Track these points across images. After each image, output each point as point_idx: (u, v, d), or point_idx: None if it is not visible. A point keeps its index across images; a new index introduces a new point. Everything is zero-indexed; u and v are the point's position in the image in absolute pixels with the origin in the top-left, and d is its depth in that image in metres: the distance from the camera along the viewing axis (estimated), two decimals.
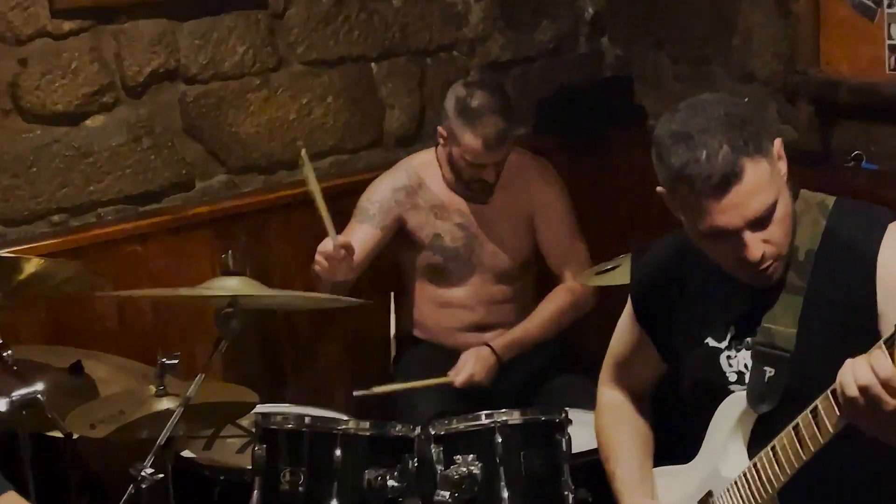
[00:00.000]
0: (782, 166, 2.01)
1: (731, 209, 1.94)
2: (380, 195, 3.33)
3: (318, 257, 3.06)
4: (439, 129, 3.29)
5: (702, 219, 1.97)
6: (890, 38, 3.22)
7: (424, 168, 3.41)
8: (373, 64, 3.76)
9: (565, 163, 3.71)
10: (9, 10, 3.13)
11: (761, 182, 1.95)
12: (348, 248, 3.02)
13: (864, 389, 1.70)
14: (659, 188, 2.07)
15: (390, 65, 3.78)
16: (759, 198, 1.95)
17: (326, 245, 3.01)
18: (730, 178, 1.91)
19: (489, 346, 3.33)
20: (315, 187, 3.01)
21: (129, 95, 3.35)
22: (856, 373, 1.72)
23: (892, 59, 3.21)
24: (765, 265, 2.00)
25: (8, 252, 2.94)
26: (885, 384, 1.68)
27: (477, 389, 3.32)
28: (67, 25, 3.21)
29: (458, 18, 3.86)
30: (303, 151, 3.11)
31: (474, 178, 3.29)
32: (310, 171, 3.04)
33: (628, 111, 4.05)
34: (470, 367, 3.26)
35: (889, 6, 3.19)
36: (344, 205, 3.36)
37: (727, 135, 1.94)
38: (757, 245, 1.97)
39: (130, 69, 3.33)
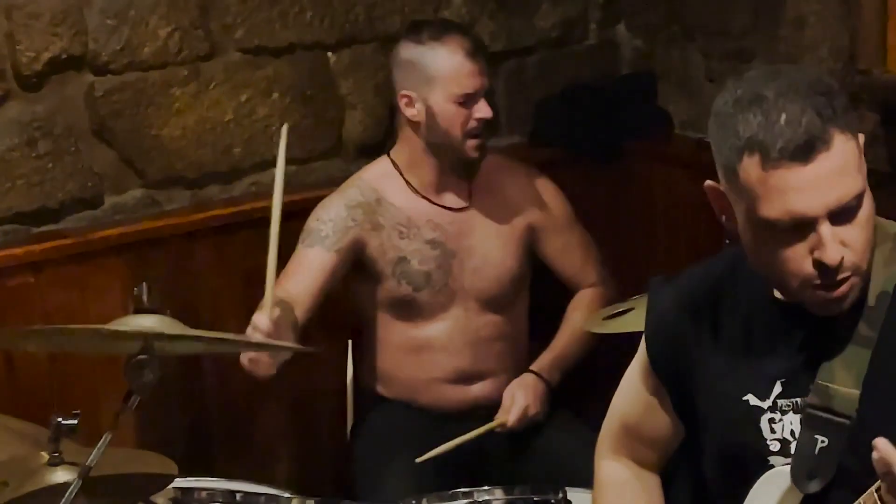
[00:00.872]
0: (864, 167, 2.00)
1: (812, 188, 1.92)
2: (333, 213, 3.38)
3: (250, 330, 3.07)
4: (402, 94, 3.36)
5: (772, 202, 1.95)
6: None
7: (380, 180, 3.45)
8: (330, 53, 3.77)
9: (569, 181, 3.70)
10: None
11: (850, 161, 1.95)
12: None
13: None
14: (708, 182, 2.07)
15: (353, 54, 3.79)
16: (847, 180, 1.94)
17: (260, 320, 3.03)
18: (815, 142, 1.91)
19: (531, 371, 3.40)
20: (277, 199, 3.01)
21: (23, 88, 3.35)
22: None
23: None
24: (842, 275, 1.97)
25: None
26: None
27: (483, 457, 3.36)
28: None
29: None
30: (284, 128, 3.14)
31: (472, 128, 3.32)
32: (281, 161, 3.08)
33: (650, 117, 4.08)
34: (521, 400, 3.33)
35: None
36: (291, 228, 3.34)
37: (812, 100, 1.93)
38: (836, 245, 1.94)
39: (25, 54, 3.32)
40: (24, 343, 2.84)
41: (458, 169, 3.39)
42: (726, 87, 2.02)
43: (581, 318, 3.53)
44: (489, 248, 3.47)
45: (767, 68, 2.13)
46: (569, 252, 3.60)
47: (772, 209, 1.94)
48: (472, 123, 3.33)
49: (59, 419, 2.56)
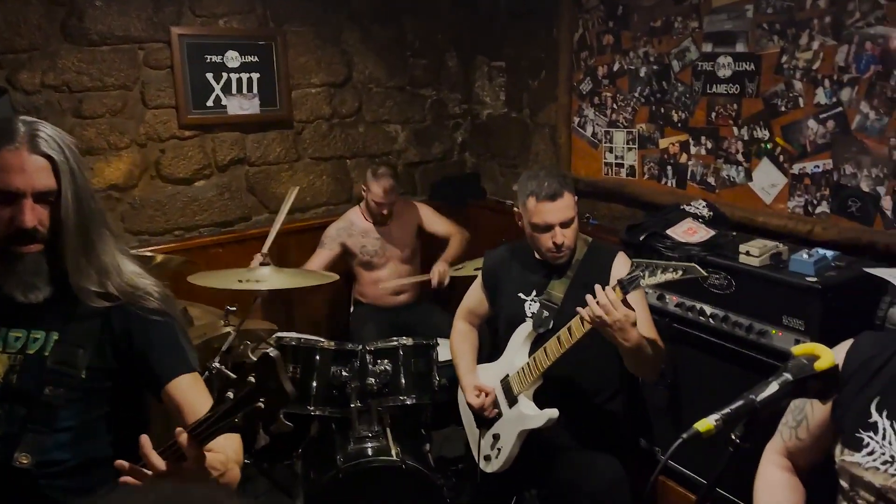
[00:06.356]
0: (576, 207, 1.97)
1: (555, 212, 1.88)
2: (333, 233, 3.20)
3: None
4: (361, 186, 3.20)
5: (538, 216, 1.89)
6: (605, 158, 3.10)
7: (353, 215, 3.25)
8: (347, 160, 3.63)
9: (444, 213, 3.51)
10: (157, 124, 3.08)
11: (570, 204, 1.90)
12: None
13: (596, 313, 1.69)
14: (515, 208, 1.99)
15: (357, 161, 3.65)
16: (568, 211, 1.90)
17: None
18: (557, 194, 1.86)
19: (440, 261, 3.17)
20: (280, 218, 2.70)
21: (219, 171, 3.26)
22: (591, 305, 1.71)
23: (605, 168, 3.12)
24: (563, 250, 1.94)
25: (148, 251, 2.88)
26: (604, 309, 1.67)
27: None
28: (187, 133, 3.15)
29: (392, 139, 3.74)
30: (294, 189, 2.80)
31: (380, 211, 3.14)
32: (286, 205, 2.71)
33: (477, 191, 3.98)
34: (439, 268, 3.11)
35: (603, 142, 3.10)
36: (320, 234, 3.24)
37: (557, 178, 1.90)
38: (549, 238, 1.89)
39: (219, 157, 3.24)
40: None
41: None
42: (523, 176, 1.95)
43: (456, 241, 3.27)
44: (399, 238, 3.23)
45: (540, 166, 2.06)
46: (438, 226, 3.33)
47: (538, 219, 1.89)
48: (380, 211, 3.09)
49: (228, 307, 2.50)
